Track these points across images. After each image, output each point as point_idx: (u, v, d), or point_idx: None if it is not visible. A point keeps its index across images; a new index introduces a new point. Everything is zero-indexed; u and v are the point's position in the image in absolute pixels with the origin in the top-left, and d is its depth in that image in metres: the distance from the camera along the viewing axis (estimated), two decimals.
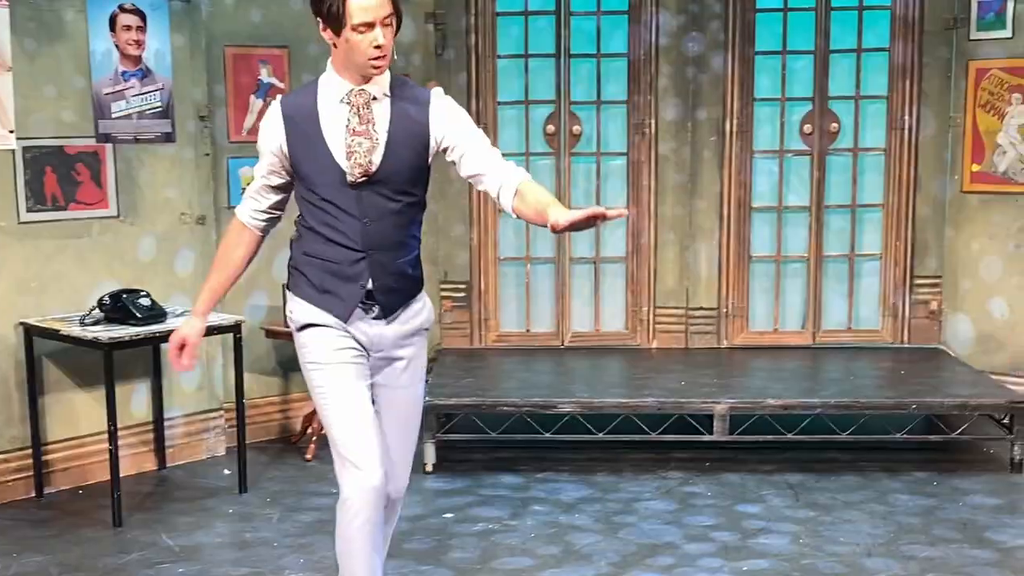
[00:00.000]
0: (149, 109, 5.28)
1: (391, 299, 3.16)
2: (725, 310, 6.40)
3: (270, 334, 5.66)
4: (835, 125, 6.28)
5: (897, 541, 4.46)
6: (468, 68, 6.24)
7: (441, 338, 6.38)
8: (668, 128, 6.30)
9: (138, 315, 4.79)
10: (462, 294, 6.41)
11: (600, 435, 5.35)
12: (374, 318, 3.16)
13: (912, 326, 6.36)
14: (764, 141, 6.34)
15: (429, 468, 5.28)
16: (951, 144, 6.24)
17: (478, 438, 5.43)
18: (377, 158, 3.06)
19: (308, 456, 5.51)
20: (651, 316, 6.43)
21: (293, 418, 5.94)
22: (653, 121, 6.28)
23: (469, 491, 5.07)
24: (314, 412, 5.61)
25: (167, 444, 5.41)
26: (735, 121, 6.27)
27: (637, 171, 6.31)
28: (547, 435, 5.34)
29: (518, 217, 3.13)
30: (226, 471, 5.35)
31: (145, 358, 5.28)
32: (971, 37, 6.11)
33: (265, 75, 5.75)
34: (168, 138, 5.36)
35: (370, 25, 2.95)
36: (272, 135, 3.12)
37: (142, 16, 5.21)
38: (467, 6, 6.22)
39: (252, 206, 3.25)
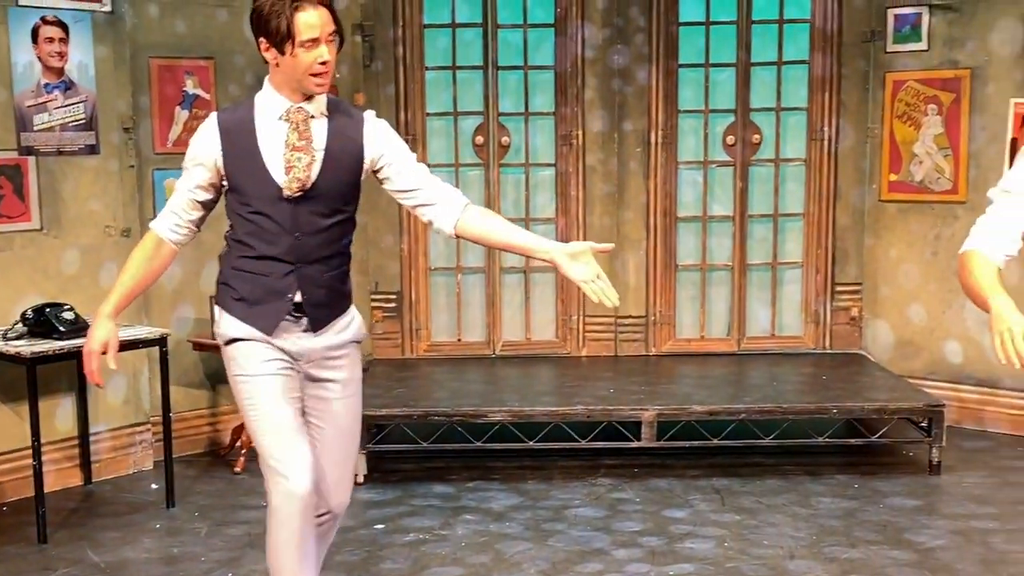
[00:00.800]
0: (72, 121, 5.22)
1: (320, 312, 3.20)
2: (653, 318, 6.50)
3: (197, 346, 5.63)
4: (757, 136, 6.42)
5: (819, 543, 4.57)
6: (396, 79, 6.26)
7: (372, 349, 6.38)
8: (595, 139, 6.39)
9: (61, 329, 4.73)
10: (393, 304, 6.43)
11: (530, 443, 5.40)
12: (303, 331, 3.19)
13: (833, 332, 6.51)
14: (688, 152, 6.45)
15: (360, 479, 5.28)
16: (869, 154, 6.40)
17: (409, 448, 5.44)
18: (314, 174, 3.10)
19: (237, 469, 5.48)
20: (581, 325, 6.50)
21: (222, 431, 5.90)
22: (580, 132, 6.36)
23: (400, 501, 5.09)
24: (243, 424, 5.59)
25: (93, 459, 5.35)
26: (660, 133, 6.37)
27: (565, 182, 6.38)
28: (478, 444, 5.38)
29: (459, 238, 3.21)
30: (153, 485, 5.30)
31: (70, 372, 5.21)
32: (888, 50, 6.28)
33: (191, 86, 5.71)
34: (92, 150, 5.31)
35: (315, 41, 3.01)
36: (207, 148, 3.14)
37: (64, 28, 5.16)
38: (395, 18, 6.24)
39: (173, 220, 3.25)
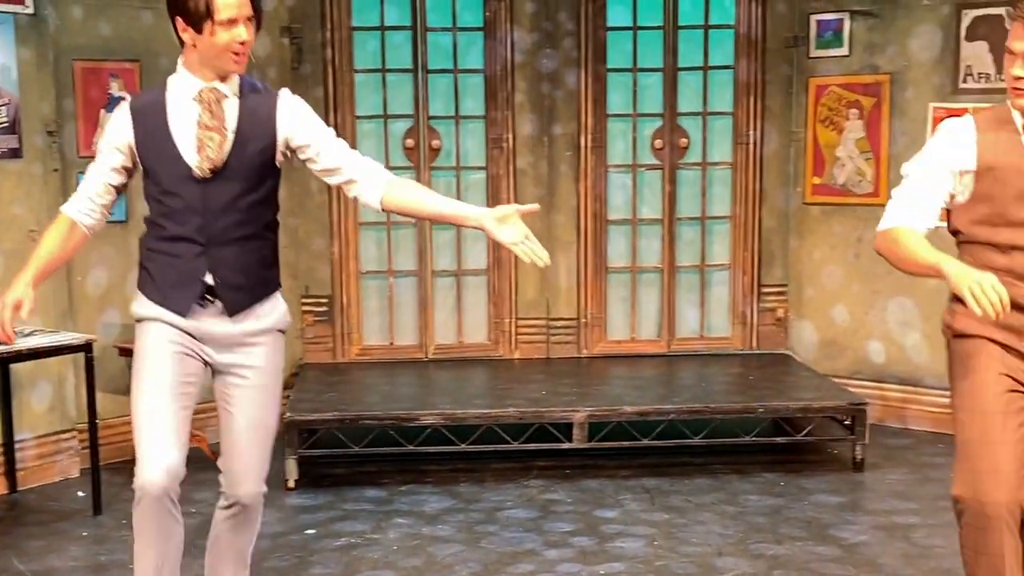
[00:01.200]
0: None
1: (234, 296, 3.20)
2: (584, 320, 6.56)
3: (124, 352, 5.54)
4: (684, 140, 6.51)
5: (746, 540, 4.65)
6: (325, 82, 6.24)
7: (303, 353, 6.35)
8: (525, 143, 6.43)
9: None
10: (324, 308, 6.40)
11: (463, 446, 5.42)
12: (219, 314, 3.20)
13: (760, 333, 6.62)
14: (618, 156, 6.52)
15: (291, 484, 5.26)
16: (793, 158, 6.52)
17: (341, 452, 5.43)
18: (224, 154, 3.12)
19: None
20: (513, 327, 6.54)
21: None
22: (510, 136, 6.40)
23: (331, 506, 5.08)
24: None
25: (18, 467, 5.26)
26: (590, 136, 6.43)
27: (496, 185, 6.41)
28: (410, 447, 5.38)
29: (384, 211, 3.25)
30: (80, 493, 5.23)
31: None
32: (810, 55, 6.41)
33: (116, 89, 5.64)
34: (15, 154, 5.22)
35: (233, 21, 3.05)
36: (120, 131, 3.18)
37: None
38: (323, 21, 6.23)
39: (87, 205, 3.27)
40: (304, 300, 6.35)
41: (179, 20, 3.09)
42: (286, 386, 6.16)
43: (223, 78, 3.14)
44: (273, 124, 3.17)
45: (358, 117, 6.29)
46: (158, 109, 3.15)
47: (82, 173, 5.42)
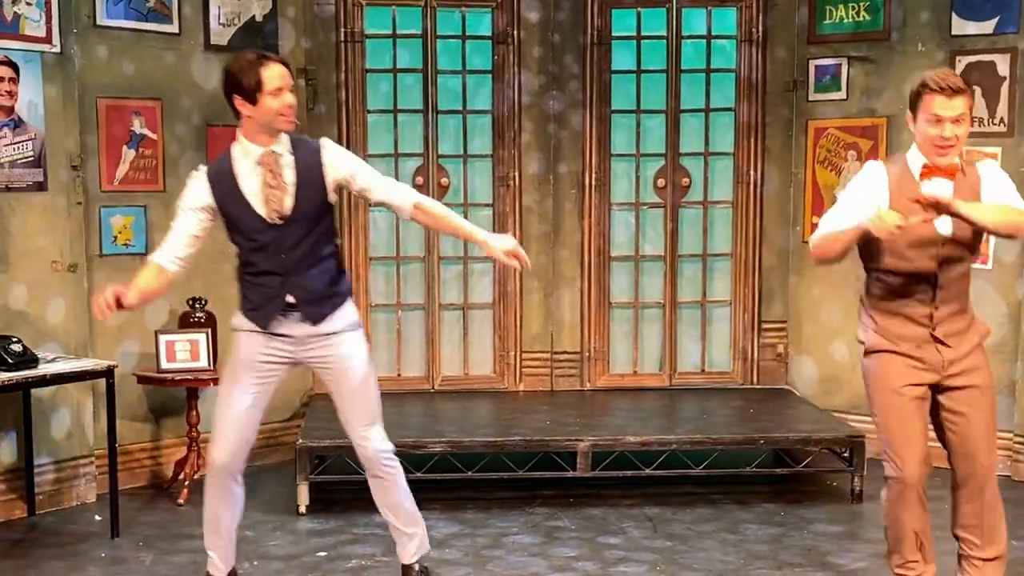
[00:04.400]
0: (21, 159, 5.32)
1: (312, 309, 4.00)
2: (587, 353, 6.71)
3: (142, 380, 5.70)
4: (686, 179, 6.69)
5: (747, 567, 4.76)
6: (339, 122, 6.45)
7: (314, 384, 6.50)
8: (531, 181, 6.62)
9: (9, 360, 4.80)
10: None
11: (469, 473, 5.55)
12: (300, 320, 3.99)
13: (760, 368, 6.77)
14: (621, 194, 6.71)
15: (303, 509, 5.39)
16: (793, 197, 6.70)
17: (351, 479, 5.52)
18: (289, 203, 3.89)
19: (181, 500, 5.55)
20: (518, 360, 6.69)
21: (165, 464, 5.97)
22: (517, 174, 6.59)
23: (342, 530, 5.20)
24: (186, 457, 5.68)
25: (37, 491, 5.39)
26: (594, 175, 6.62)
27: (502, 221, 6.58)
28: (418, 474, 5.49)
29: (413, 218, 4.07)
30: (97, 517, 5.35)
31: (15, 404, 5.26)
32: (809, 98, 6.60)
33: (138, 126, 5.84)
34: (40, 187, 5.40)
35: (280, 89, 3.83)
36: (199, 195, 3.94)
37: (15, 68, 5.27)
38: (337, 63, 6.44)
39: (173, 254, 3.97)
40: None
41: (236, 98, 3.84)
42: (298, 415, 6.36)
43: (275, 137, 3.87)
44: (322, 171, 3.93)
45: (370, 155, 6.47)
46: (228, 175, 3.91)
47: (105, 207, 5.70)
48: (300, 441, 5.44)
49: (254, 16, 6.22)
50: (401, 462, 5.45)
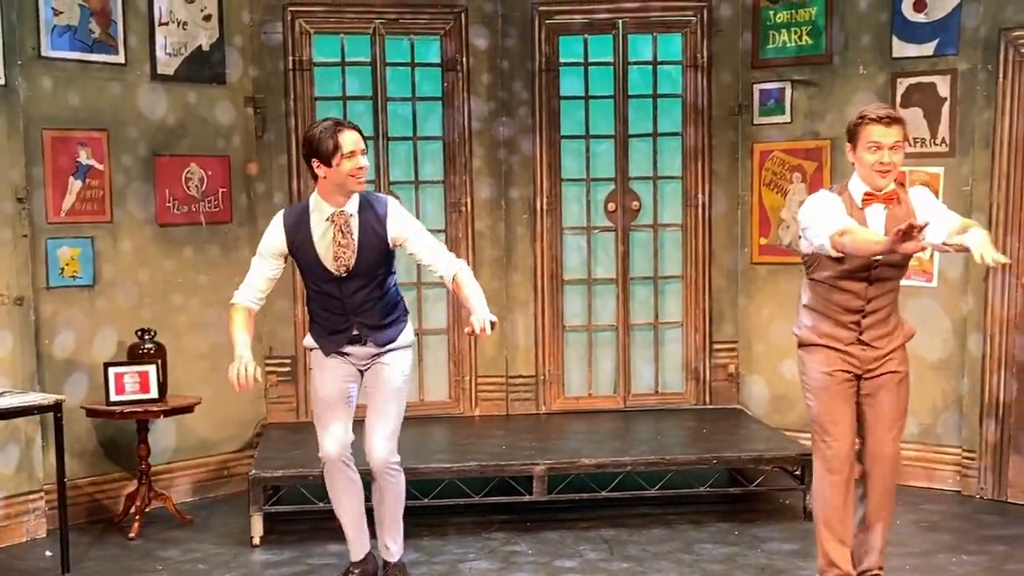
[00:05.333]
0: None
1: (377, 336, 4.53)
2: (542, 377, 6.73)
3: (91, 413, 5.63)
4: (636, 203, 6.76)
5: None
6: (288, 150, 6.44)
7: (268, 412, 6.46)
8: (483, 206, 6.65)
9: None
10: (287, 369, 6.53)
11: (425, 500, 5.54)
12: (364, 346, 4.53)
13: (713, 388, 6.83)
14: (572, 218, 6.76)
15: (256, 541, 5.35)
16: (741, 219, 6.79)
17: (305, 509, 5.52)
18: (353, 260, 4.39)
19: (132, 534, 5.48)
20: (473, 385, 6.70)
21: (115, 498, 5.89)
22: (469, 200, 6.62)
23: (297, 561, 5.16)
24: (136, 491, 5.61)
25: None
26: (545, 200, 6.67)
27: (455, 246, 6.59)
28: (373, 503, 5.47)
29: (452, 288, 4.50)
30: (48, 552, 5.27)
31: None
32: (754, 122, 6.70)
33: (84, 157, 5.79)
34: None
35: (353, 153, 4.28)
36: (277, 240, 4.45)
37: None
38: (286, 91, 6.44)
39: (255, 295, 4.50)
40: (268, 361, 6.46)
41: (314, 161, 4.28)
42: (250, 445, 6.32)
43: (348, 197, 4.34)
44: (385, 230, 4.42)
45: None
46: (304, 227, 4.40)
47: (51, 239, 5.64)
48: (253, 472, 5.40)
49: (200, 45, 6.20)
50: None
